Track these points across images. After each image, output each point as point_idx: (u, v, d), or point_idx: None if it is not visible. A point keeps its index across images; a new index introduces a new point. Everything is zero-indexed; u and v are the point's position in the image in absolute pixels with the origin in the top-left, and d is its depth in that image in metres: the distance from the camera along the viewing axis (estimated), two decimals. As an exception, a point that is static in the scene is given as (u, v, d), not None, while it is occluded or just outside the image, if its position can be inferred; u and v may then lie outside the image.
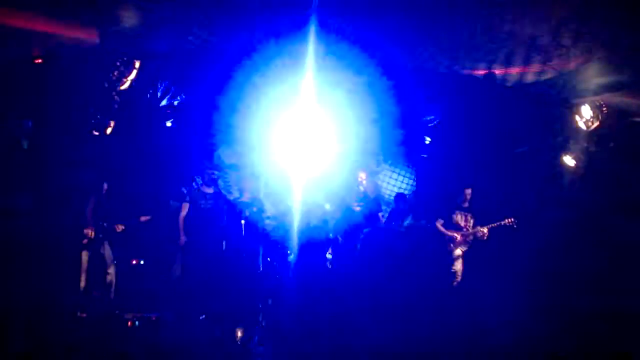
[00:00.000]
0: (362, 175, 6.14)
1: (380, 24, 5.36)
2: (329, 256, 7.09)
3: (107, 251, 6.71)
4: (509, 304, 5.73)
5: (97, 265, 6.58)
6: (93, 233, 6.53)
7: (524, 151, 8.30)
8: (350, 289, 4.39)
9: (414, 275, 7.01)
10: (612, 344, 4.82)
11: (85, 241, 6.57)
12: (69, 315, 5.97)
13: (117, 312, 6.50)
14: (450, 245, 6.70)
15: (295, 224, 9.01)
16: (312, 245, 6.80)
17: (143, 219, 6.94)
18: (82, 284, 6.49)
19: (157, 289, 6.95)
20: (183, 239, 6.73)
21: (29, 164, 6.58)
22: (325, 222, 8.88)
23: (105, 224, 6.65)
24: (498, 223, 6.73)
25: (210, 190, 7.01)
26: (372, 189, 6.31)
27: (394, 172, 9.69)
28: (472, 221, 6.84)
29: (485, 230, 6.67)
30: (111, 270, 6.72)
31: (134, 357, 4.44)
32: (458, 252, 6.70)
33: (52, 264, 6.60)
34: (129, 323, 5.80)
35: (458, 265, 6.64)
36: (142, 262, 7.29)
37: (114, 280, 6.73)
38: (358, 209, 6.08)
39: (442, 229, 6.75)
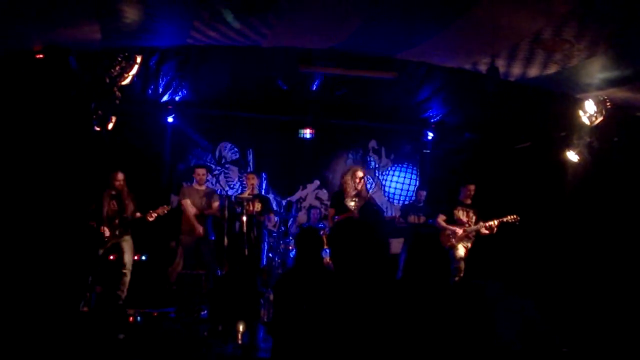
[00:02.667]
0: (360, 174, 6.03)
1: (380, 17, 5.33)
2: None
3: None
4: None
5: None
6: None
7: (527, 146, 8.28)
8: (352, 285, 4.34)
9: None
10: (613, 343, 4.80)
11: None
12: (71, 310, 5.98)
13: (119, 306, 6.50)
14: (452, 241, 6.68)
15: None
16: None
17: (150, 217, 6.46)
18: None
19: (159, 285, 6.95)
20: (182, 236, 6.78)
21: (38, 161, 6.59)
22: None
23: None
24: (500, 220, 6.69)
25: (203, 188, 7.01)
26: (370, 186, 6.25)
27: (396, 168, 9.69)
28: (474, 217, 6.81)
29: (487, 226, 6.64)
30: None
31: (136, 352, 4.42)
32: (461, 247, 6.68)
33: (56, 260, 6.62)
34: (131, 319, 5.79)
35: (461, 262, 6.62)
36: (143, 258, 7.29)
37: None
38: (354, 207, 5.97)
39: (444, 224, 6.73)
